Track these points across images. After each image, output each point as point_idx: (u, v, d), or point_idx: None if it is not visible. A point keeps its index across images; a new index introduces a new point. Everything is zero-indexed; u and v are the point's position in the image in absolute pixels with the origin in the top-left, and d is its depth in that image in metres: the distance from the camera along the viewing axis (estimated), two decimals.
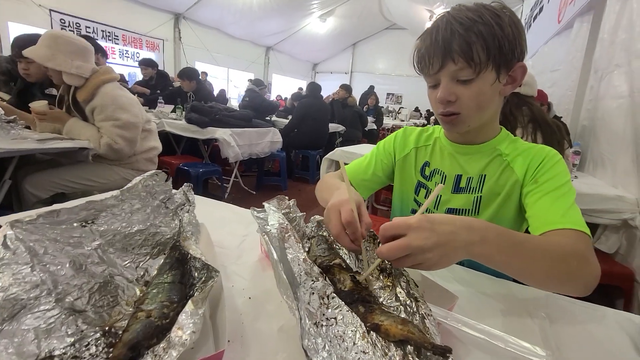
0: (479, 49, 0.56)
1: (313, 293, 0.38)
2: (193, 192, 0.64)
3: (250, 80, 4.37)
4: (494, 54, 0.57)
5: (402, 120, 8.64)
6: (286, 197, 0.59)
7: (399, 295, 0.44)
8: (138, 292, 0.44)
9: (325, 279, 0.40)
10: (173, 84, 4.53)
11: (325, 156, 1.88)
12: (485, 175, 0.69)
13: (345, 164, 0.76)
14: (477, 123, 0.64)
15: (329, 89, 6.01)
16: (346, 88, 4.95)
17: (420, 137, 0.81)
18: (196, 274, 0.45)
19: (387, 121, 7.48)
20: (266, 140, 3.14)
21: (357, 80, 12.81)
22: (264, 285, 0.52)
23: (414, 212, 0.80)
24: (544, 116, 1.34)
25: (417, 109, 10.79)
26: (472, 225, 0.44)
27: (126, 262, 0.48)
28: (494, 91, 0.61)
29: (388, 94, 12.44)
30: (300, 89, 8.70)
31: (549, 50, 3.25)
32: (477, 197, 0.69)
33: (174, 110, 3.22)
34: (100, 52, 2.60)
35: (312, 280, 0.39)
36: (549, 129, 1.29)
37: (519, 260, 0.46)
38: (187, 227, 0.55)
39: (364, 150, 2.07)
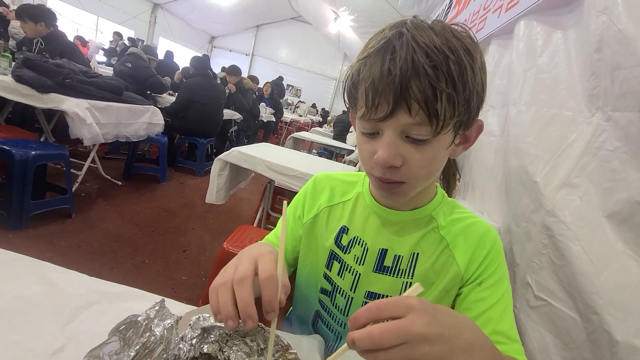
0: (445, 101, 0.39)
1: None
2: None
3: (133, 41, 3.48)
4: (461, 109, 0.40)
5: (300, 115, 8.67)
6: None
7: None
8: None
9: None
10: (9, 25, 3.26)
11: (219, 156, 1.57)
12: (417, 254, 0.55)
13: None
14: (419, 190, 0.50)
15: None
16: (234, 71, 4.17)
17: (335, 192, 0.63)
18: None
19: (286, 114, 7.35)
20: (142, 120, 2.52)
21: (258, 64, 12.29)
22: None
23: (323, 291, 0.62)
24: None
25: (314, 106, 11.07)
26: (471, 325, 0.35)
27: None
28: (446, 154, 0.47)
29: (288, 85, 12.36)
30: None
31: None
32: (406, 282, 0.55)
33: None
34: None
35: None
36: (447, 163, 1.36)
37: None
38: None
39: (264, 151, 1.84)
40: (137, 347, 0.29)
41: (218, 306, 0.34)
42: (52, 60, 2.10)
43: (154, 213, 2.41)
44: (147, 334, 0.31)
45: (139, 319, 0.32)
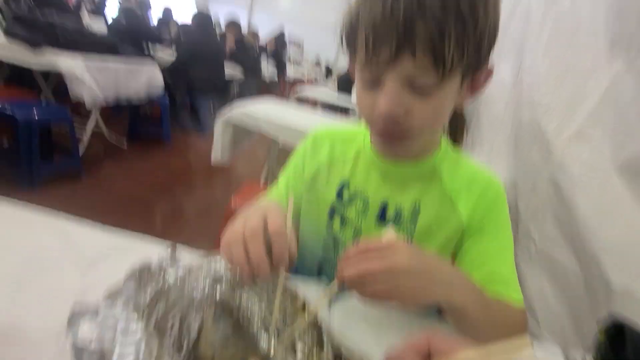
0: (453, 44, 0.35)
1: None
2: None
3: None
4: (470, 52, 0.37)
5: (303, 74, 8.36)
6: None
7: None
8: None
9: None
10: None
11: (222, 116, 1.54)
12: (419, 206, 0.54)
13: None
14: (423, 141, 0.50)
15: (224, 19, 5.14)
16: (233, 26, 4.08)
17: (335, 149, 0.62)
18: None
19: (289, 71, 7.09)
20: (142, 80, 2.45)
21: (256, 16, 11.60)
22: None
23: (325, 245, 0.63)
24: None
25: (317, 63, 10.61)
26: (453, 267, 0.40)
27: None
28: (452, 104, 0.44)
29: (290, 40, 11.76)
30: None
31: None
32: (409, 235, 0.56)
33: None
34: None
35: None
36: (455, 115, 1.31)
37: (483, 321, 0.39)
38: None
39: (267, 109, 1.80)
40: (152, 291, 0.31)
41: (232, 262, 0.37)
42: (43, 19, 2.00)
43: (161, 173, 2.44)
44: (162, 278, 0.32)
45: (153, 264, 0.33)
